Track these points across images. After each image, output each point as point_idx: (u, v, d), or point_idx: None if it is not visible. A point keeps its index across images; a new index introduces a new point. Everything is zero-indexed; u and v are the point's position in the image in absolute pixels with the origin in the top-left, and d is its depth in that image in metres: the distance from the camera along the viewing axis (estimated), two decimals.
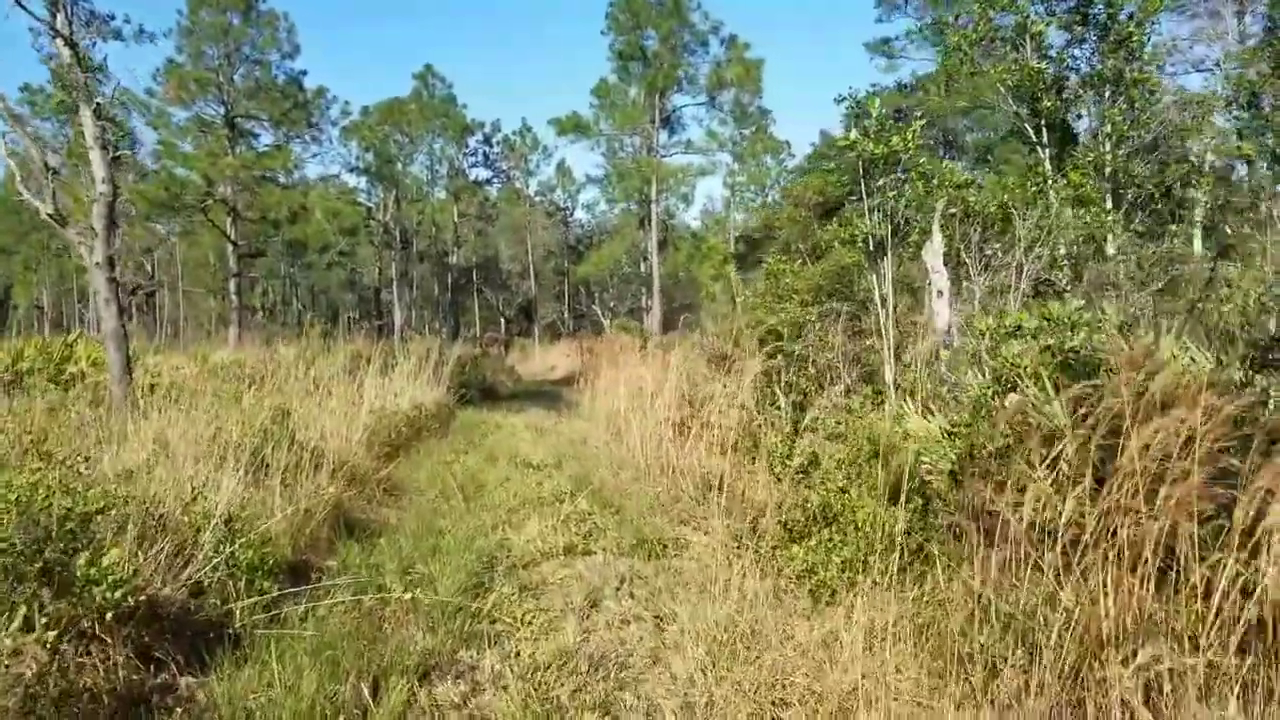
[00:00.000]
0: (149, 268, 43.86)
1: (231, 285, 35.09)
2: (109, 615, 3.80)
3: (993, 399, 5.80)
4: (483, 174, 44.78)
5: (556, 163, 47.73)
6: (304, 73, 35.21)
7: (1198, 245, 15.34)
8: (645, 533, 6.72)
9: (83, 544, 4.08)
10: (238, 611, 4.62)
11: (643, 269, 41.41)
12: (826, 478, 5.89)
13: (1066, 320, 5.69)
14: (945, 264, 8.86)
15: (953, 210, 8.95)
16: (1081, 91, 11.39)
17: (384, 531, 7.06)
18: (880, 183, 9.12)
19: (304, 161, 39.05)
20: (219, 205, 34.08)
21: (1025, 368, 5.52)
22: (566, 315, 49.29)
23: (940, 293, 8.79)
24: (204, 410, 8.67)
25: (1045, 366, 5.52)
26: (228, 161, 32.59)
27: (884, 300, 9.19)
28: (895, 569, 4.29)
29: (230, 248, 34.70)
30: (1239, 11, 24.04)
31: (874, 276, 9.25)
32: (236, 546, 4.90)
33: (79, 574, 3.72)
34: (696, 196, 69.62)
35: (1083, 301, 6.59)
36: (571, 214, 50.38)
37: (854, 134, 9.23)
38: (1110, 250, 10.83)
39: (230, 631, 4.46)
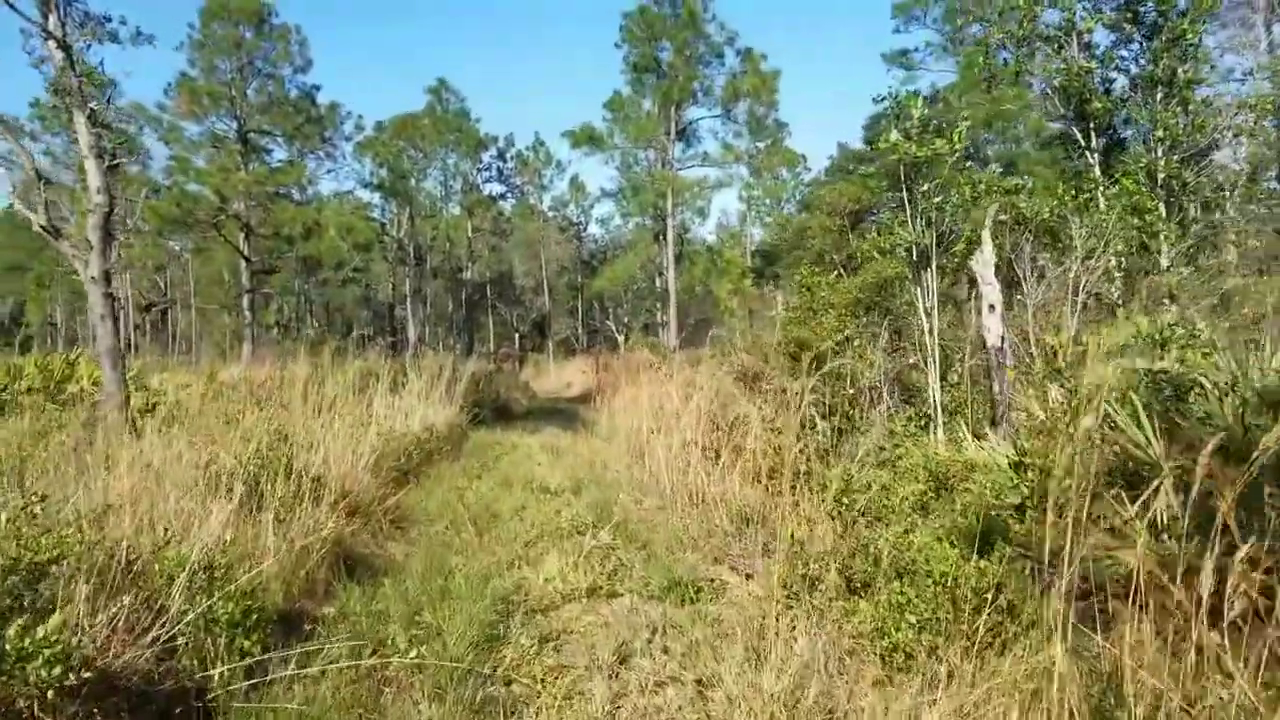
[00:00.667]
0: (161, 284, 43.47)
1: (245, 302, 34.61)
2: (49, 693, 3.14)
3: (1069, 425, 5.10)
4: (496, 189, 44.31)
5: (570, 177, 47.08)
6: (317, 87, 34.81)
7: (1232, 255, 14.63)
8: (676, 572, 6.03)
9: (25, 603, 3.44)
10: (215, 677, 3.95)
11: (658, 284, 40.77)
12: (886, 515, 5.20)
13: (1157, 337, 4.99)
14: (996, 275, 8.16)
15: (1001, 218, 8.26)
16: (1132, 93, 10.69)
17: (389, 570, 6.38)
18: (924, 188, 8.44)
19: (318, 177, 38.65)
20: (232, 221, 33.65)
21: (1110, 389, 4.82)
22: (580, 331, 48.69)
23: (992, 306, 8.09)
24: (202, 433, 8.11)
25: (1134, 388, 4.83)
26: (240, 177, 32.15)
27: (928, 314, 8.50)
28: (983, 630, 3.62)
29: (244, 264, 34.26)
30: (1270, 20, 23.33)
31: (916, 289, 8.56)
32: (216, 599, 4.23)
33: (9, 647, 3.06)
34: (711, 210, 68.87)
35: (1171, 316, 5.90)
36: (585, 229, 49.87)
37: (894, 136, 8.57)
38: (1164, 262, 10.11)
39: (203, 704, 3.79)
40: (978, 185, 8.31)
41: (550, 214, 47.90)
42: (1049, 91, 11.03)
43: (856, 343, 8.55)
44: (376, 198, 41.74)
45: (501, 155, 43.54)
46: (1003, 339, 8.10)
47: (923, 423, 8.51)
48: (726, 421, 8.70)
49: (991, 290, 8.13)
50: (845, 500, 5.81)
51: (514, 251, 50.60)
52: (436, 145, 39.97)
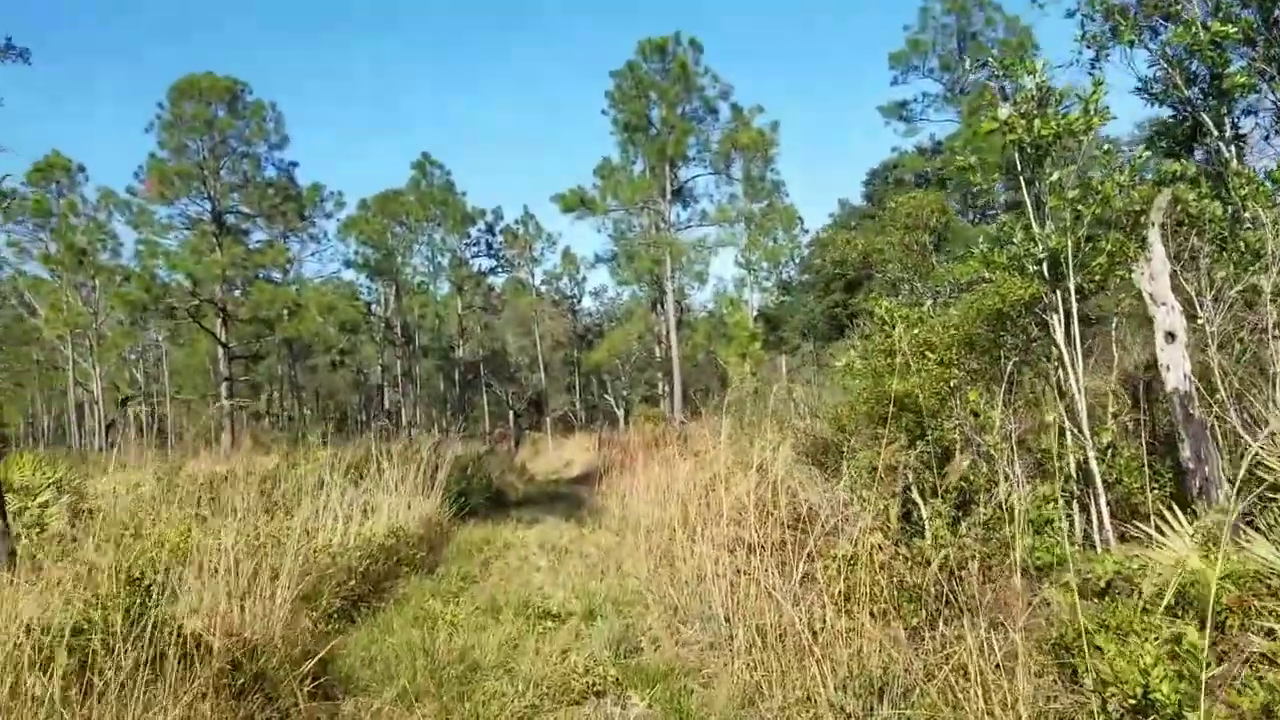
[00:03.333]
0: (139, 376, 40.87)
1: (223, 390, 32.09)
2: None
3: None
4: (486, 263, 42.02)
5: (562, 250, 44.82)
6: (294, 164, 32.76)
7: None
8: None
9: None
10: None
11: (657, 353, 38.28)
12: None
13: None
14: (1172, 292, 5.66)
15: (1162, 219, 5.79)
16: (1267, 67, 8.33)
17: None
18: (1052, 177, 5.96)
19: (301, 259, 36.49)
20: (208, 306, 31.28)
21: None
22: (578, 407, 45.97)
23: (1170, 335, 5.57)
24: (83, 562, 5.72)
25: None
26: (215, 260, 29.86)
27: (1069, 347, 5.97)
28: None
29: (221, 351, 31.81)
30: None
31: (1053, 317, 6.03)
32: None
33: None
34: (709, 276, 66.41)
35: None
36: (579, 302, 47.49)
37: (1004, 111, 6.12)
38: None
39: None
40: (1132, 168, 5.85)
41: (543, 288, 45.57)
42: (1160, 69, 8.64)
43: (969, 396, 6.02)
44: (362, 278, 39.50)
45: (490, 229, 41.38)
46: (1188, 378, 5.56)
47: (1065, 503, 5.91)
48: (792, 514, 6.09)
49: (1168, 314, 5.62)
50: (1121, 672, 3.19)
51: (506, 328, 48.18)
52: (422, 221, 37.87)
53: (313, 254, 36.47)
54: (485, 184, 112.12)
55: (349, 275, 39.05)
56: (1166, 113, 9.18)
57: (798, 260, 42.36)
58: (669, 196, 28.45)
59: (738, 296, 42.48)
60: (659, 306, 37.44)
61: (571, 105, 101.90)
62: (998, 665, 3.63)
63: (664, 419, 25.24)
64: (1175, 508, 4.78)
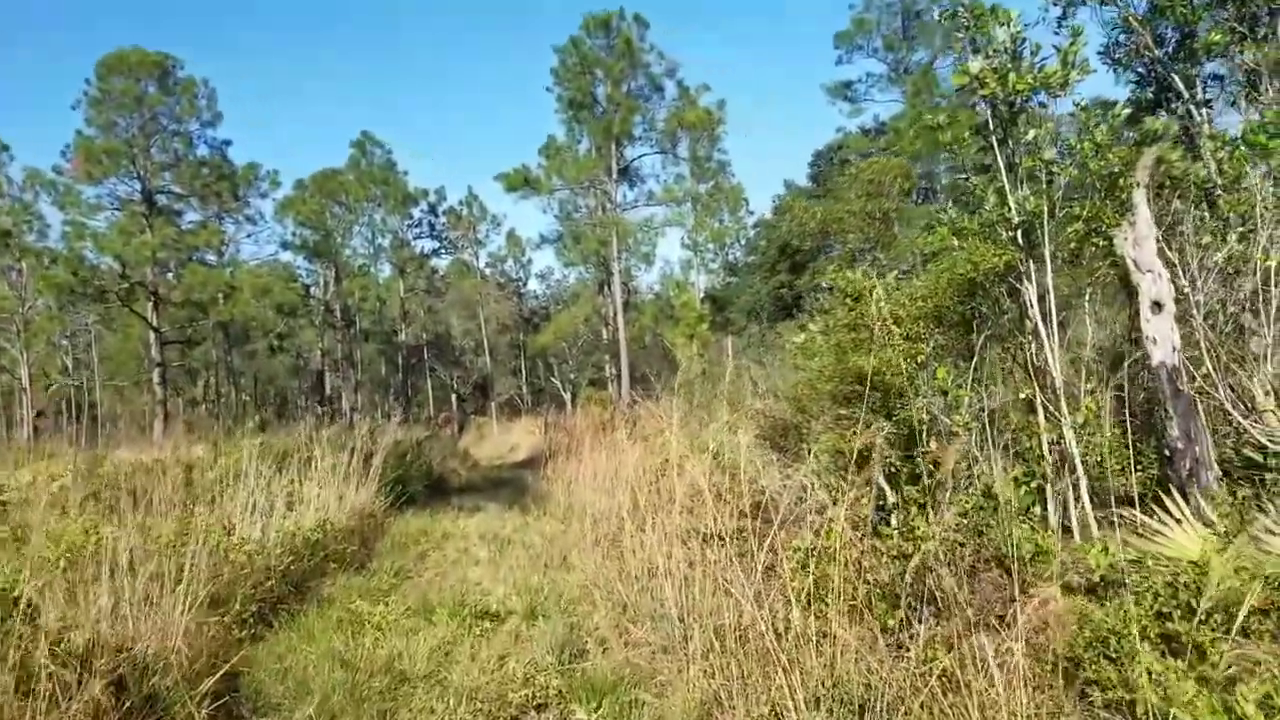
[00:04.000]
0: (66, 363, 39.17)
1: (155, 376, 30.76)
2: None
3: None
4: (429, 245, 40.90)
5: (506, 232, 43.86)
6: (228, 143, 31.42)
7: None
8: None
9: None
10: None
11: (605, 336, 37.63)
12: None
13: None
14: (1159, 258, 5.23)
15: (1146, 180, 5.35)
16: (1238, 26, 7.82)
17: None
18: (1028, 136, 5.50)
19: (237, 241, 35.17)
20: (139, 289, 29.92)
21: None
22: (525, 390, 45.15)
23: (1157, 305, 5.14)
24: None
25: None
26: (145, 241, 28.49)
27: (1045, 320, 5.53)
28: None
29: (153, 335, 30.46)
30: None
31: (1028, 287, 5.58)
32: None
33: None
34: (656, 258, 65.32)
35: None
36: (525, 285, 46.59)
37: (975, 65, 5.64)
38: None
39: None
40: (1105, 127, 5.38)
41: (488, 270, 44.59)
42: (1128, 29, 8.19)
43: (937, 374, 5.54)
44: (301, 260, 38.18)
45: (433, 210, 40.25)
46: (1175, 352, 5.14)
47: (1034, 488, 5.46)
48: (753, 503, 5.57)
49: (1155, 281, 5.19)
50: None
51: (450, 311, 47.15)
52: (362, 200, 36.67)
53: (249, 236, 35.11)
54: (426, 167, 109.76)
55: (287, 257, 37.78)
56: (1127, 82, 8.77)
57: (743, 242, 42.02)
58: (615, 175, 27.76)
59: (684, 279, 42.02)
60: (605, 288, 36.78)
61: (518, 85, 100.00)
62: (989, 676, 3.15)
63: (611, 401, 24.66)
64: (1171, 492, 4.35)
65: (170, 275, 32.41)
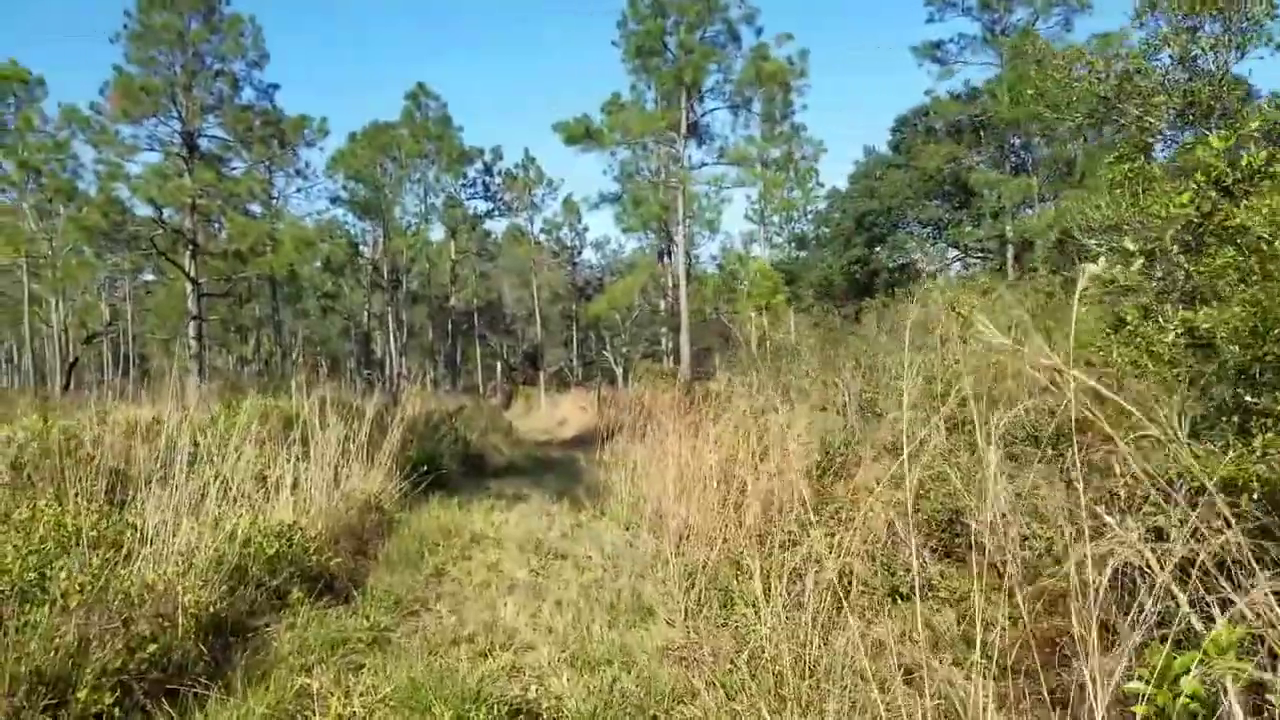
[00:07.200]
0: (104, 312, 37.36)
1: (190, 330, 28.68)
2: None
3: None
4: (482, 206, 38.35)
5: (563, 198, 41.08)
6: (275, 86, 29.15)
7: None
8: None
9: None
10: None
11: (663, 306, 34.93)
12: None
13: None
14: None
15: None
16: None
17: None
18: None
19: (286, 195, 33.06)
20: (175, 236, 27.78)
21: None
22: (575, 362, 42.65)
23: None
24: None
25: None
26: (181, 184, 26.33)
27: None
28: None
29: (189, 287, 28.33)
30: None
31: None
32: None
33: None
34: (720, 224, 61.36)
35: None
36: (579, 253, 43.86)
37: None
38: None
39: None
40: None
41: (542, 236, 41.94)
42: None
43: None
44: (350, 216, 35.90)
45: (488, 169, 37.69)
46: None
47: None
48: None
49: None
50: None
51: (503, 277, 44.75)
52: (415, 156, 34.17)
53: (298, 191, 33.01)
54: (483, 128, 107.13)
55: (337, 214, 35.58)
56: None
57: (810, 215, 39.04)
58: (684, 131, 24.89)
59: (746, 252, 39.10)
60: (666, 257, 34.03)
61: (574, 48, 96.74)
62: None
63: (671, 377, 22.00)
64: None
65: (215, 227, 30.43)
